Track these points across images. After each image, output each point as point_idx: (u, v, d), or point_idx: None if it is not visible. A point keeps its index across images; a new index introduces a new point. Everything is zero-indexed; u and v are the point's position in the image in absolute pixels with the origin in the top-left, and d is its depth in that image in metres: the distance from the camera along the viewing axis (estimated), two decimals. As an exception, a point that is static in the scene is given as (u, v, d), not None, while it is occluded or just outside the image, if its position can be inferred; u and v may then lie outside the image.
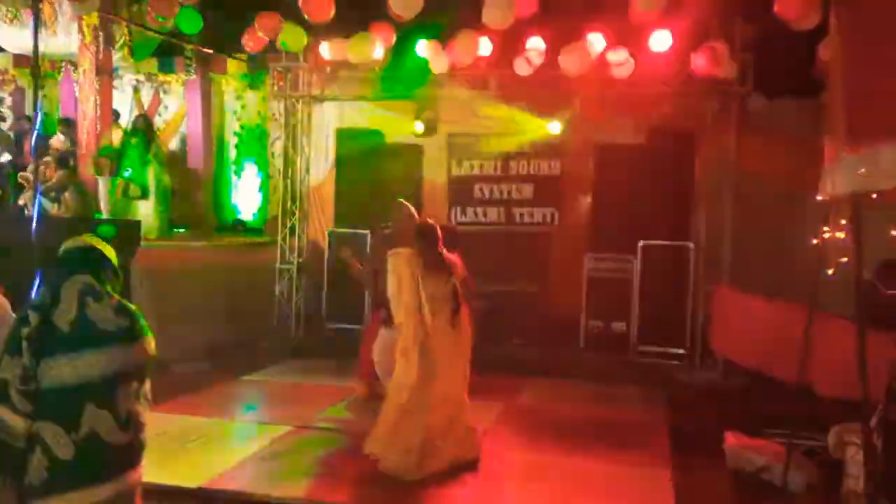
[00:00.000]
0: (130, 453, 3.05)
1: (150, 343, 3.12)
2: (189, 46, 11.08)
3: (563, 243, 10.04)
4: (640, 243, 9.37)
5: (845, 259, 3.76)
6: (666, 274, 9.31)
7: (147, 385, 3.19)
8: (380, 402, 5.85)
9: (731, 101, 8.88)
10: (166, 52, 11.72)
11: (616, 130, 9.67)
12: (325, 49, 9.53)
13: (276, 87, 10.75)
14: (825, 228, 4.09)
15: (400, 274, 5.51)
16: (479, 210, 10.41)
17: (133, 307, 3.09)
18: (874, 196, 3.86)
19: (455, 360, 5.69)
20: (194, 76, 11.99)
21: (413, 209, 6.51)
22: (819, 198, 3.73)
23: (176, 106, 12.52)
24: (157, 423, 6.30)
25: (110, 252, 3.15)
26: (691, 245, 9.28)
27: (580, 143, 9.92)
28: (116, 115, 10.91)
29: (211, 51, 11.14)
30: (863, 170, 3.00)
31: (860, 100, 3.15)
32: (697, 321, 9.09)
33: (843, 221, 4.56)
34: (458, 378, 5.74)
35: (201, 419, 6.69)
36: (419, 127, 10.05)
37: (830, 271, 4.09)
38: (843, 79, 3.29)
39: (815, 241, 4.47)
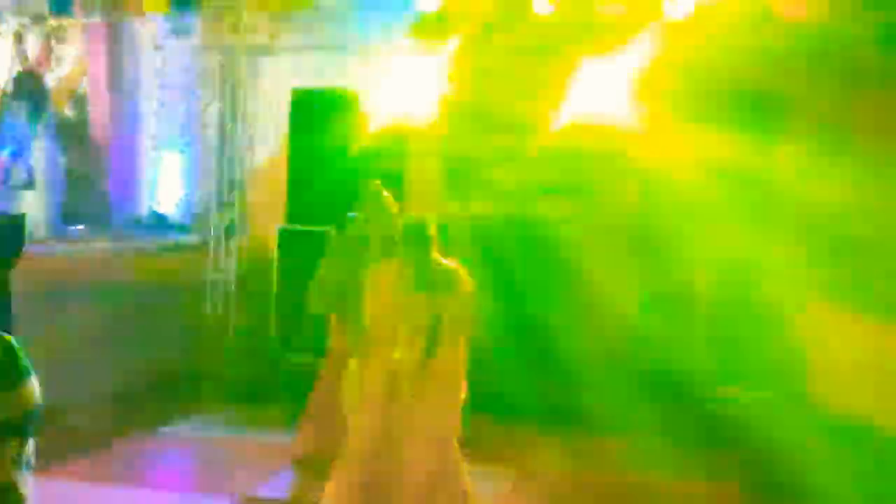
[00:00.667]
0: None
1: (34, 388, 3.06)
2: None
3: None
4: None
5: None
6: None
7: (29, 445, 3.13)
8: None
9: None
10: (60, -14, 11.70)
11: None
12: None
13: (209, 34, 10.73)
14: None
15: (381, 293, 5.45)
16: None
17: (9, 339, 3.03)
18: None
19: (419, 416, 5.51)
20: (98, 18, 11.94)
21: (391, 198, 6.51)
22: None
23: (74, 59, 12.50)
24: (45, 495, 6.26)
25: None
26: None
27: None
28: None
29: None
30: None
31: None
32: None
33: None
34: (424, 441, 5.53)
35: (106, 489, 6.66)
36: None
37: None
38: None
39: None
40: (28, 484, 3.11)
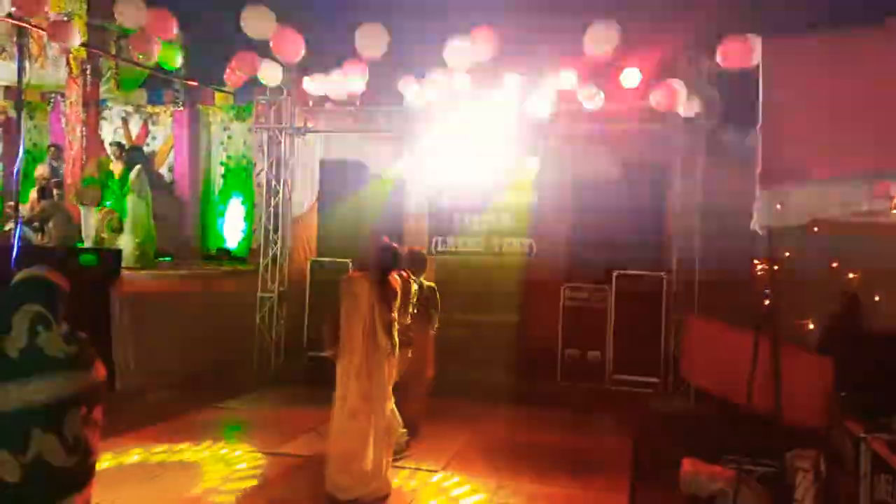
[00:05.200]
0: (78, 476, 3.14)
1: (100, 369, 3.22)
2: (177, 79, 11.28)
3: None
4: (615, 273, 9.60)
5: (767, 290, 3.90)
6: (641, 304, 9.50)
7: (98, 410, 3.27)
8: None
9: (699, 135, 9.04)
10: (155, 84, 11.94)
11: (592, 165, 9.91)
12: (309, 83, 9.69)
13: (261, 120, 10.92)
14: (755, 261, 4.24)
15: (356, 295, 5.54)
16: (460, 240, 10.53)
17: (83, 335, 3.20)
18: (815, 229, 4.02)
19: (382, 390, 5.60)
20: (182, 107, 12.18)
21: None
22: (753, 228, 3.90)
23: (164, 137, 12.73)
24: (126, 450, 6.41)
25: (63, 281, 3.26)
26: (664, 275, 9.44)
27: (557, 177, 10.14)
28: (121, 147, 10.97)
29: (197, 83, 11.33)
30: (779, 206, 3.16)
31: (774, 142, 3.33)
32: (670, 350, 9.25)
33: (787, 254, 4.73)
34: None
35: (172, 446, 6.75)
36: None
37: (767, 301, 4.24)
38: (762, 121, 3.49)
39: (759, 272, 4.61)
40: (96, 438, 3.27)
